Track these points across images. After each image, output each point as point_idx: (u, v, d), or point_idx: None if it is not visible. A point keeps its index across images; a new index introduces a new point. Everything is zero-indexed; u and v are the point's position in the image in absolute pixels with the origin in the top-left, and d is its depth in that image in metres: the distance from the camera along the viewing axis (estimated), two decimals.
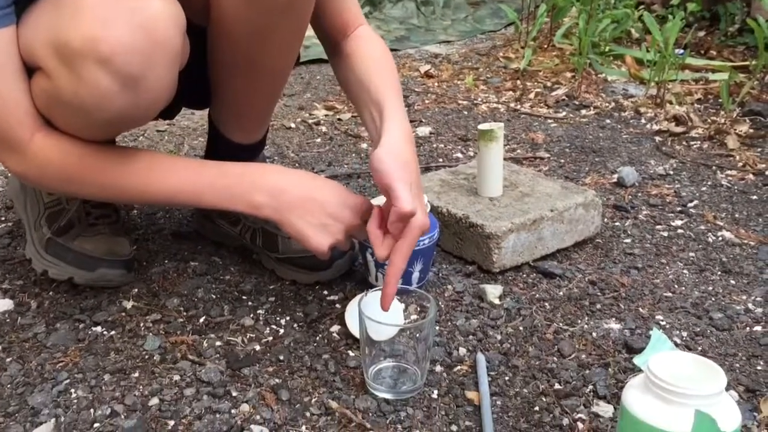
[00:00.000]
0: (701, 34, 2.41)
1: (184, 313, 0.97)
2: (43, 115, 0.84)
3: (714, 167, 1.47)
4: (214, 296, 1.02)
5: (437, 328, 0.95)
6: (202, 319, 0.96)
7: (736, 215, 1.27)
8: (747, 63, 2.10)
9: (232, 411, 0.79)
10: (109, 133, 0.90)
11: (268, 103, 1.05)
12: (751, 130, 1.65)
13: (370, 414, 0.79)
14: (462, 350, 0.91)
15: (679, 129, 1.67)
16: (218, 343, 0.91)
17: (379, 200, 1.05)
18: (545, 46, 2.34)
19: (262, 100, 1.04)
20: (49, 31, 0.77)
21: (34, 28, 0.80)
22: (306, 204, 0.89)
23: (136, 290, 1.02)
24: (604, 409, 0.80)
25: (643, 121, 1.76)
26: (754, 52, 2.11)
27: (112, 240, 1.02)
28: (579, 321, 0.97)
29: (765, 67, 1.87)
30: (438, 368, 0.87)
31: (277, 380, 0.84)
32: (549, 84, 2.05)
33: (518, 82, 2.06)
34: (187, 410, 0.79)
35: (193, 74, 0.93)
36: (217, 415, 0.79)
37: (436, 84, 2.10)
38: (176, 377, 0.85)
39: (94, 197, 0.95)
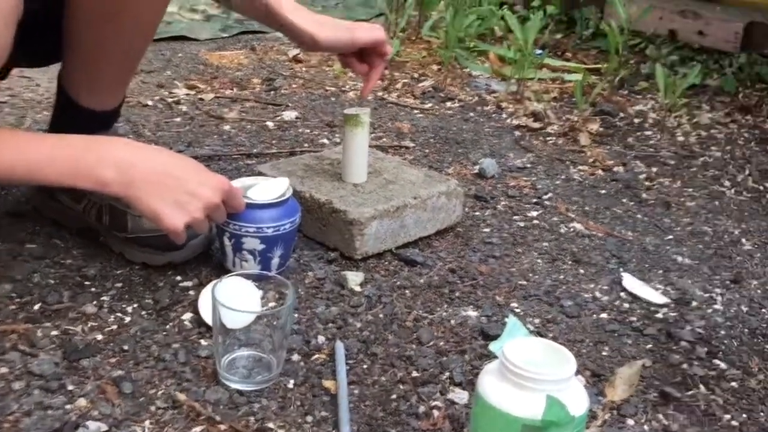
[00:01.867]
0: (559, 36, 2.53)
1: (17, 300, 0.89)
2: None
3: (567, 162, 1.54)
4: (52, 281, 0.93)
5: (296, 315, 0.92)
6: (36, 306, 0.88)
7: (586, 208, 1.33)
8: (599, 66, 2.21)
9: (67, 406, 0.73)
10: None
11: (129, 62, 0.98)
12: (601, 129, 1.74)
13: (221, 406, 0.75)
14: (321, 338, 0.88)
15: (537, 125, 1.73)
16: (54, 333, 0.84)
17: (241, 182, 1.00)
18: (413, 38, 2.36)
19: (124, 58, 0.96)
20: None
21: None
22: (160, 180, 0.83)
23: None
24: (460, 396, 0.81)
25: (504, 115, 1.81)
26: (606, 55, 2.23)
27: None
28: (438, 309, 0.98)
29: (615, 69, 1.98)
30: (295, 357, 0.85)
31: (119, 372, 0.78)
32: (416, 75, 2.07)
33: (386, 71, 2.06)
34: (14, 406, 0.72)
35: (37, 24, 0.84)
36: (49, 411, 0.72)
37: (304, 69, 2.06)
38: (3, 369, 0.77)
39: None
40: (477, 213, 1.27)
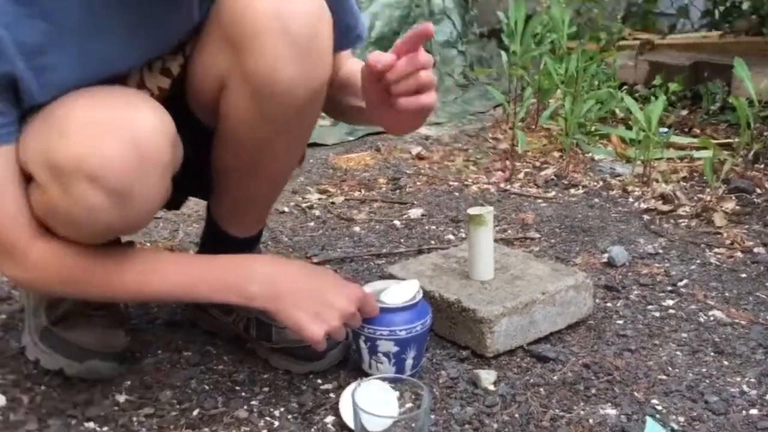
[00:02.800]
0: (684, 112, 2.48)
1: (178, 406, 0.97)
2: (41, 221, 0.85)
3: (702, 245, 1.49)
4: (207, 387, 1.01)
5: (432, 417, 0.94)
6: (195, 412, 0.96)
7: (726, 294, 1.28)
8: (730, 140, 2.15)
9: None
10: (103, 240, 0.90)
11: (267, 202, 1.08)
12: (738, 207, 1.68)
13: None
14: None
15: (667, 207, 1.70)
16: None
17: (372, 286, 1.06)
18: (533, 126, 2.40)
19: (262, 199, 1.07)
20: (41, 148, 0.80)
21: (28, 142, 0.82)
22: (299, 293, 0.91)
23: (129, 383, 1.02)
24: None
25: (630, 199, 1.79)
26: (736, 129, 2.16)
27: (107, 332, 1.02)
28: (575, 407, 0.97)
29: (748, 144, 1.92)
30: None
31: None
32: (538, 164, 2.09)
33: (507, 162, 2.10)
34: None
35: (200, 166, 0.95)
36: None
37: (427, 165, 2.14)
38: None
39: (93, 298, 0.96)
40: (608, 304, 1.26)
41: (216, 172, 1.03)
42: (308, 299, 0.90)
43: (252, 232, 1.10)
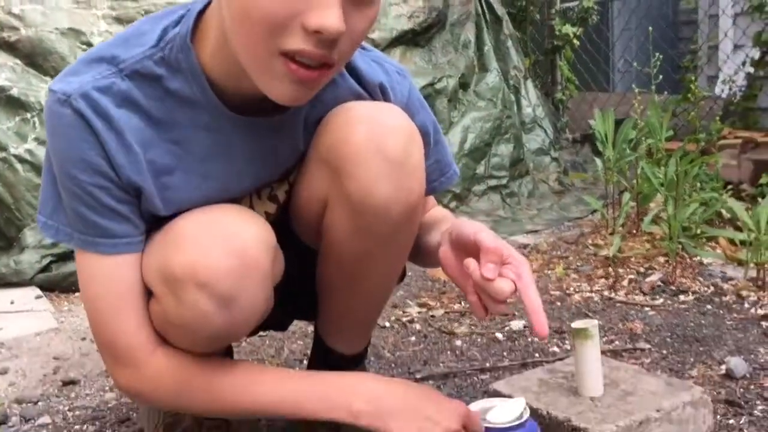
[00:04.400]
0: None
1: None
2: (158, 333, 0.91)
3: None
4: None
5: None
6: None
7: None
8: None
9: None
10: (214, 348, 0.96)
11: (370, 317, 1.11)
12: None
13: None
14: None
15: None
16: None
17: (479, 404, 1.04)
18: (634, 232, 2.35)
19: (365, 314, 1.10)
20: (157, 259, 0.87)
21: (148, 255, 0.90)
22: (405, 411, 0.91)
23: None
24: None
25: (746, 305, 1.70)
26: None
27: None
28: None
29: None
30: None
31: None
32: (642, 270, 2.03)
33: (610, 269, 2.06)
34: None
35: (304, 286, 1.00)
36: None
37: None
38: None
39: (202, 412, 0.99)
40: (731, 421, 1.18)
41: (320, 289, 1.07)
42: (414, 417, 0.90)
43: (357, 348, 1.12)
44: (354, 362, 1.12)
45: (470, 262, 0.87)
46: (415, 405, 0.92)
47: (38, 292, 2.08)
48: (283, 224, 1.04)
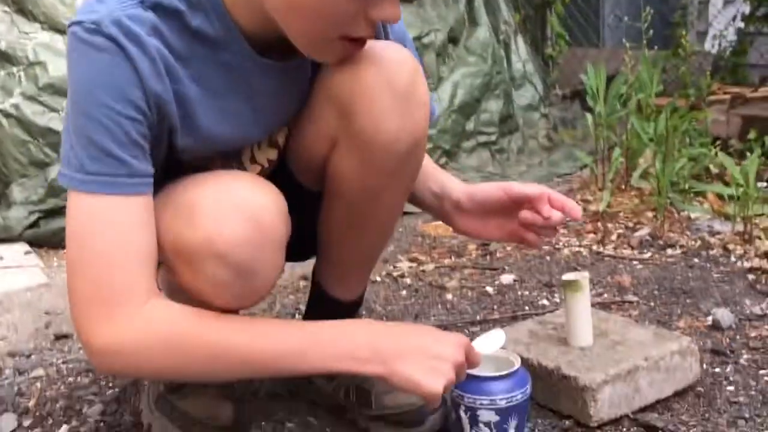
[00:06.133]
0: None
1: None
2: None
3: None
4: None
5: None
6: None
7: None
8: None
9: None
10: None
11: (372, 259, 1.12)
12: None
13: None
14: None
15: None
16: None
17: (477, 341, 1.05)
18: (623, 187, 2.36)
19: (368, 256, 1.11)
20: (169, 232, 0.86)
21: (157, 228, 0.87)
22: (408, 352, 0.87)
23: None
24: None
25: (732, 258, 1.72)
26: None
27: (216, 403, 1.05)
28: None
29: None
30: None
31: None
32: (631, 225, 2.05)
33: (599, 224, 2.07)
34: None
35: (301, 231, 0.99)
36: None
37: None
38: None
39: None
40: (717, 369, 1.20)
41: (324, 233, 1.08)
42: (418, 356, 0.86)
43: (355, 294, 1.13)
44: (352, 309, 1.13)
45: (526, 214, 1.01)
46: (418, 344, 0.88)
47: (27, 247, 2.07)
48: (281, 168, 1.04)
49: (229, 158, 0.98)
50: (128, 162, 0.83)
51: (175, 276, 0.87)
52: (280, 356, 0.86)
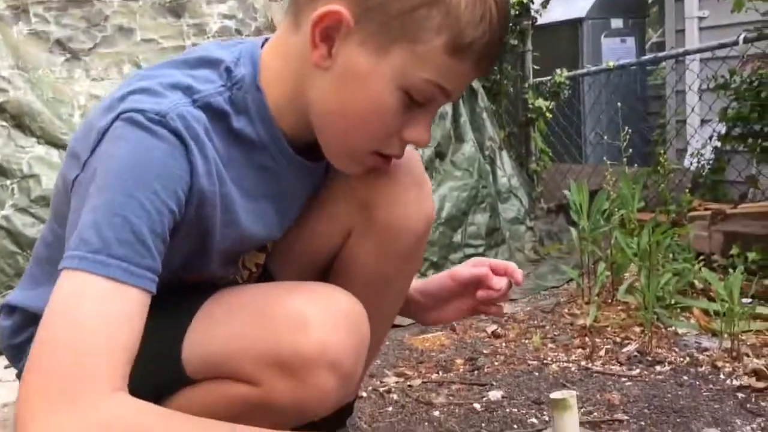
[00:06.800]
0: (767, 282, 2.41)
1: None
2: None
3: None
4: None
5: None
6: None
7: None
8: None
9: None
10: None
11: (372, 354, 1.12)
12: None
13: None
14: None
15: (761, 384, 1.61)
16: None
17: None
18: (609, 301, 2.37)
19: (371, 350, 1.10)
20: (264, 345, 0.84)
21: (226, 340, 0.86)
22: None
23: None
24: None
25: (721, 376, 1.71)
26: None
27: None
28: None
29: None
30: None
31: None
32: (618, 339, 2.04)
33: (587, 338, 2.07)
34: None
35: None
36: None
37: (503, 344, 2.12)
38: None
39: None
40: None
41: None
42: None
43: (355, 392, 1.13)
44: (344, 413, 1.12)
45: (482, 294, 1.10)
46: None
47: (6, 362, 2.03)
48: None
49: (227, 264, 0.97)
50: (154, 255, 0.77)
51: (264, 391, 0.84)
52: None
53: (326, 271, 1.07)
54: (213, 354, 0.86)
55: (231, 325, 0.87)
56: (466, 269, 1.11)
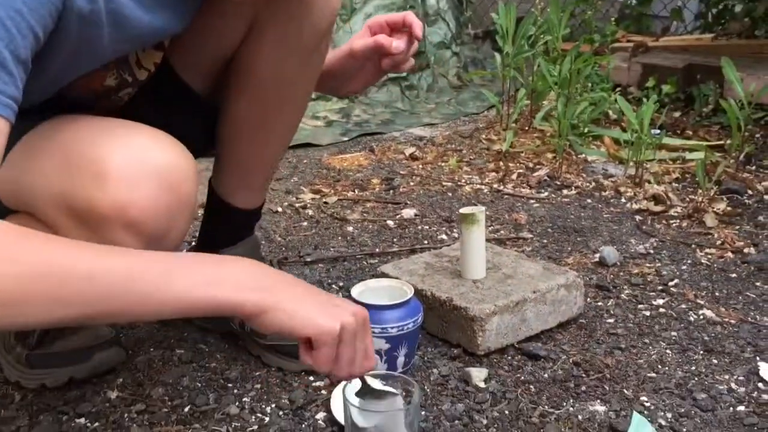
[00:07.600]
0: (677, 114, 2.50)
1: (169, 403, 0.97)
2: None
3: (693, 245, 1.50)
4: (199, 384, 1.02)
5: (423, 413, 0.95)
6: (186, 409, 0.96)
7: (717, 293, 1.29)
8: (722, 142, 2.16)
9: None
10: None
11: (273, 162, 1.11)
12: (729, 208, 1.69)
13: None
14: None
15: (659, 208, 1.71)
16: None
17: (365, 284, 1.06)
18: (526, 128, 2.41)
19: (270, 158, 1.10)
20: (61, 189, 0.77)
21: (32, 175, 0.79)
22: (302, 292, 0.75)
23: (120, 380, 1.02)
24: None
25: (623, 200, 1.80)
26: (728, 131, 2.18)
27: (89, 330, 1.01)
28: (564, 403, 0.97)
29: (739, 146, 1.93)
30: None
31: None
32: (531, 165, 2.10)
33: (501, 163, 2.11)
34: None
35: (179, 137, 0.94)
36: None
37: (420, 166, 2.14)
38: None
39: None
40: (599, 303, 1.26)
41: (227, 133, 1.05)
42: (311, 297, 0.74)
43: (257, 202, 1.11)
44: (252, 219, 1.12)
45: (386, 62, 1.04)
46: (312, 291, 0.76)
47: None
48: (164, 72, 0.99)
49: (119, 64, 0.90)
50: (17, 83, 0.66)
51: (54, 229, 0.78)
52: (136, 276, 0.65)
53: (228, 72, 1.03)
54: (21, 188, 0.81)
55: (41, 161, 0.79)
56: (363, 41, 1.04)
